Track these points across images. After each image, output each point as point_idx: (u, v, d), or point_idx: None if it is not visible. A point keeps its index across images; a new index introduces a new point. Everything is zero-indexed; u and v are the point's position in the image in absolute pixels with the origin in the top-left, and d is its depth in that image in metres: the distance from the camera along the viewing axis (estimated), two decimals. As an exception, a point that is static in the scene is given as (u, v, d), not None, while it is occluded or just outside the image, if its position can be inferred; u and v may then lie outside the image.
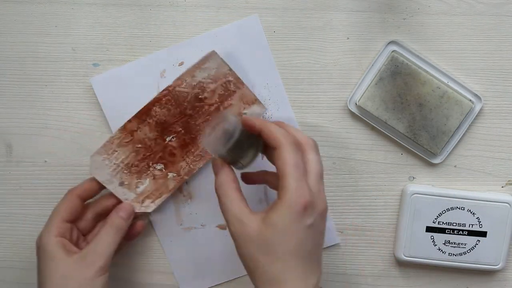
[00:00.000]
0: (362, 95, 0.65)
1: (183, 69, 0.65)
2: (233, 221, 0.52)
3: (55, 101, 0.68)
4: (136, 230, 0.65)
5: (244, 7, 0.66)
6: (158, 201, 0.65)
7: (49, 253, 0.58)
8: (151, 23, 0.67)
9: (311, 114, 0.67)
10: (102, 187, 0.65)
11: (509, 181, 0.68)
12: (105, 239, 0.60)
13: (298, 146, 0.53)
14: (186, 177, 0.65)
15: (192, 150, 0.65)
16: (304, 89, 0.67)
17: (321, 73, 0.67)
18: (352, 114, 0.67)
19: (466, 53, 0.66)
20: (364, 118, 0.66)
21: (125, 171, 0.64)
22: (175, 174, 0.65)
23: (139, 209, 0.65)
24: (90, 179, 0.64)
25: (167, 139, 0.65)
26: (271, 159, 0.54)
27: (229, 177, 0.54)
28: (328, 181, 0.68)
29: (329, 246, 0.69)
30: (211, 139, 0.55)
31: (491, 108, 0.67)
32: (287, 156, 0.51)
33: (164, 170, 0.65)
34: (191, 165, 0.65)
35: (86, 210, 0.64)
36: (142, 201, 0.65)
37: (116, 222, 0.61)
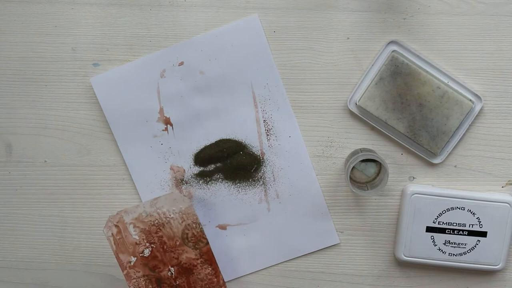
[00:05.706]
0: (362, 95, 0.65)
1: (182, 69, 0.65)
2: None
3: (55, 101, 0.68)
4: None
5: (244, 7, 0.66)
6: None
7: None
8: (151, 23, 0.67)
9: (311, 114, 0.67)
10: None
11: (509, 181, 0.68)
12: None
13: None
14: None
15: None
16: (304, 89, 0.67)
17: (321, 73, 0.67)
18: (352, 114, 0.67)
19: (466, 53, 0.66)
20: (364, 118, 0.66)
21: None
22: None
23: None
24: None
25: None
26: None
27: None
28: (328, 181, 0.68)
29: (329, 246, 0.69)
30: None
31: (491, 108, 0.67)
32: None
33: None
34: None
35: None
36: None
37: None
